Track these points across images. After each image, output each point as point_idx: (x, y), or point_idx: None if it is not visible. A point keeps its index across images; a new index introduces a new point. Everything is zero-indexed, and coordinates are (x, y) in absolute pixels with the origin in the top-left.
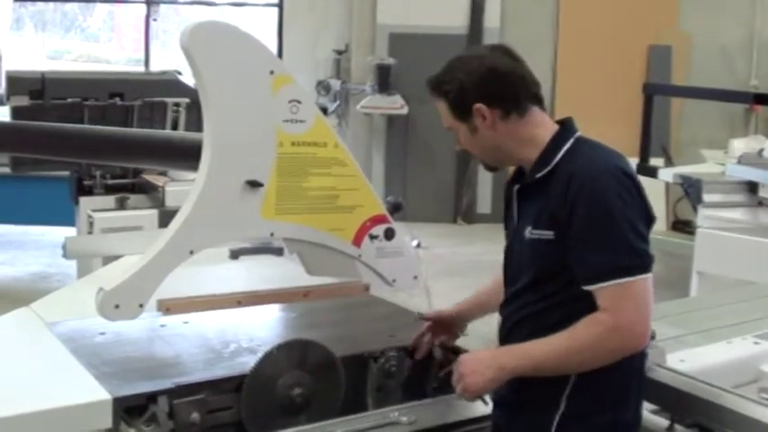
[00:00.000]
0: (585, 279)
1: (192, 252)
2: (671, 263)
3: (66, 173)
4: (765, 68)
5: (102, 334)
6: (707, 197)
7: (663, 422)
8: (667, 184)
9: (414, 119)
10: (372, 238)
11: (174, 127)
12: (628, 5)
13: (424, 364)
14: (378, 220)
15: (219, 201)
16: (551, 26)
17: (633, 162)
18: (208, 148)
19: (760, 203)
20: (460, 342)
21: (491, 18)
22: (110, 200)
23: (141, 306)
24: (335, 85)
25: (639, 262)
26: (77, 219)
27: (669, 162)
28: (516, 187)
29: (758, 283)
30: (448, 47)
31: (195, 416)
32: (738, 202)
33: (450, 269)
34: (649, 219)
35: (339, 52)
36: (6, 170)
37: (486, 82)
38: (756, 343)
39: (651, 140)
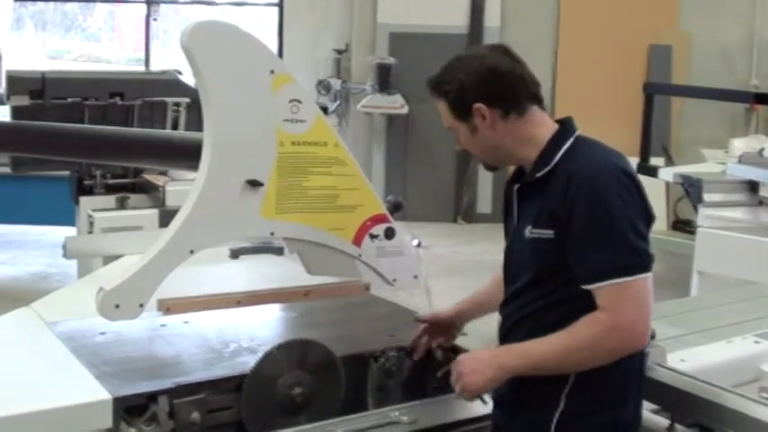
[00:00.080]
0: (585, 278)
1: (192, 252)
2: (671, 262)
3: (66, 173)
4: (765, 68)
5: (103, 334)
6: (707, 197)
7: (663, 422)
8: (668, 184)
9: (414, 118)
10: (373, 237)
11: (175, 127)
12: (628, 5)
13: (425, 364)
14: (378, 219)
15: (220, 200)
16: (551, 26)
17: (633, 161)
18: (208, 148)
19: (760, 203)
20: (460, 341)
21: (491, 18)
22: (110, 199)
23: (141, 306)
24: (336, 84)
25: (639, 261)
26: (77, 218)
27: (669, 161)
28: (516, 187)
29: (758, 282)
30: (448, 46)
31: (195, 415)
32: (739, 202)
33: (450, 269)
34: (649, 218)
35: (339, 52)
36: (6, 170)
37: (485, 82)
38: (757, 342)
39: (651, 140)
